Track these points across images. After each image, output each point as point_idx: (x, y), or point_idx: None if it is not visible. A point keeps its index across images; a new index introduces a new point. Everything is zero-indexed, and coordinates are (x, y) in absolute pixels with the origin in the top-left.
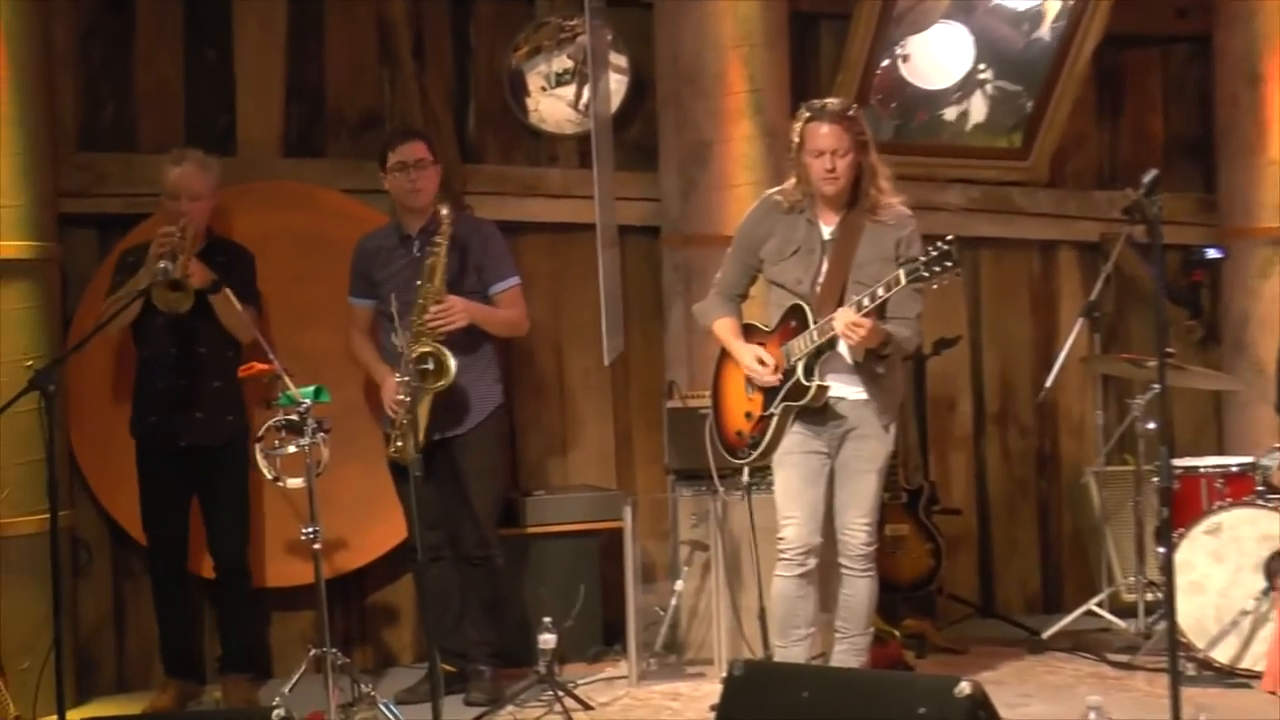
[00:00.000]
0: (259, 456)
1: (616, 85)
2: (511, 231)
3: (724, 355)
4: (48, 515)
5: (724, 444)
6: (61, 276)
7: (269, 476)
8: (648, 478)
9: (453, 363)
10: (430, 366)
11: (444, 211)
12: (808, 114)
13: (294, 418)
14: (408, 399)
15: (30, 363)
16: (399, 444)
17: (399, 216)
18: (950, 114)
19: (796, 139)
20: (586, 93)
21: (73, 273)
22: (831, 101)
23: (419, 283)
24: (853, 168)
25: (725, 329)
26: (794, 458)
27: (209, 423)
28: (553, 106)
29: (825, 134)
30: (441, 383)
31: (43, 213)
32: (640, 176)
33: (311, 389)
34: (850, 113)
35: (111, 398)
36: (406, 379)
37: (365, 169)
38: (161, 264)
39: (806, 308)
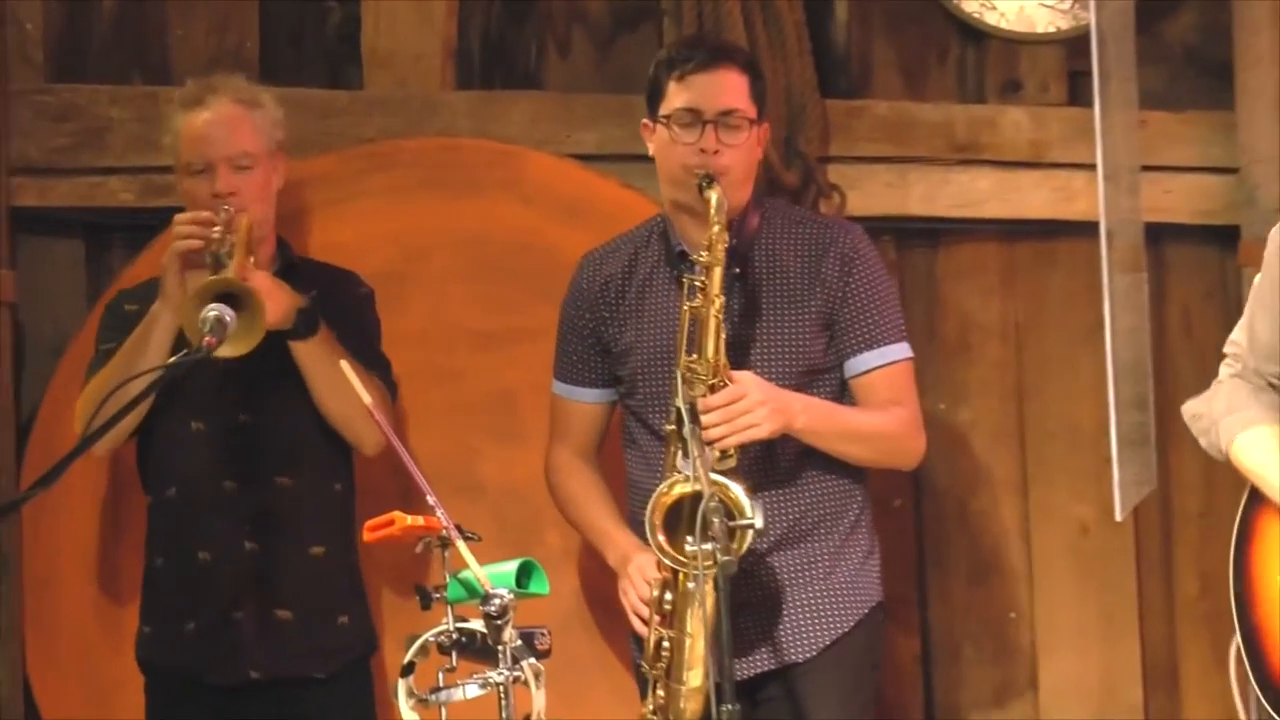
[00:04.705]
0: (404, 705)
1: None
2: (920, 237)
3: (1257, 504)
4: None
5: (1270, 685)
6: (14, 333)
7: None
8: None
9: (754, 514)
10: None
11: (712, 197)
12: None
13: (477, 628)
14: (687, 589)
15: None
16: (661, 690)
17: (670, 215)
18: None
19: None
20: None
21: (37, 326)
22: None
23: (684, 353)
24: None
25: (1263, 446)
26: None
27: (302, 633)
28: None
29: None
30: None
31: None
32: (1195, 122)
33: (511, 567)
34: None
35: (100, 583)
36: (704, 551)
37: (625, 110)
38: (212, 311)
39: None
